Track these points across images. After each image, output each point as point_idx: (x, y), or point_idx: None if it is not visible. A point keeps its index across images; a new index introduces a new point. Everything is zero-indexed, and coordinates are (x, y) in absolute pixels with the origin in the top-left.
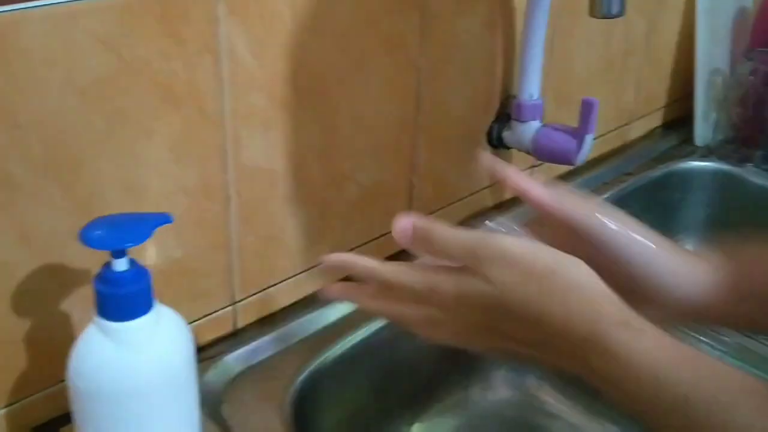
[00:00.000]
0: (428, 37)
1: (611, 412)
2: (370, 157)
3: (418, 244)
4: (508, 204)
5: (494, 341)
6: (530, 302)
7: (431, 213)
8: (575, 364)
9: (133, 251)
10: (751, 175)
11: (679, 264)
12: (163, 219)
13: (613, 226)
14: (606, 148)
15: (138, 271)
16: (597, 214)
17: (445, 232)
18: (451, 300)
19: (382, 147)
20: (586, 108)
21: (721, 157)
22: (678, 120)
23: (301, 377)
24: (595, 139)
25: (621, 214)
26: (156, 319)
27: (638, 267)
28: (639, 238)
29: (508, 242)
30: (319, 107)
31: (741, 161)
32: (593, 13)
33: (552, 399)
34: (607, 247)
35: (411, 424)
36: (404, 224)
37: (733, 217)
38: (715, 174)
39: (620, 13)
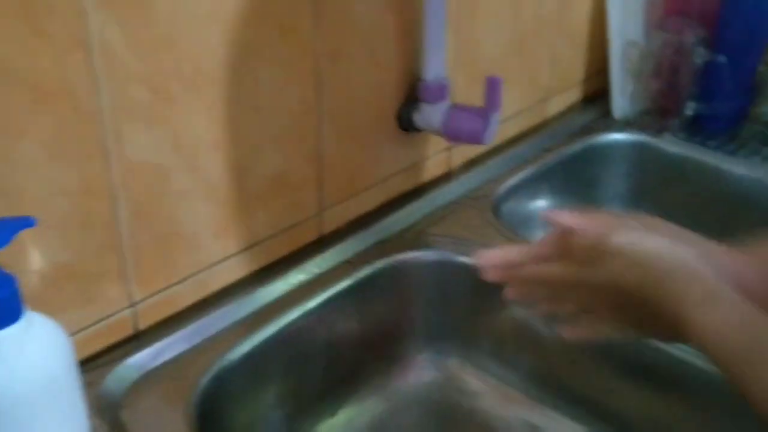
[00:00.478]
0: (323, 22)
1: (531, 389)
2: (271, 147)
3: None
4: (424, 188)
5: (628, 319)
6: (634, 287)
7: (343, 201)
8: (679, 337)
9: (14, 257)
10: (668, 144)
11: (728, 265)
12: (25, 223)
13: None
14: (525, 125)
15: (2, 277)
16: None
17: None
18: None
19: (283, 136)
20: (491, 86)
21: (640, 129)
22: (596, 94)
23: (207, 376)
24: (513, 116)
25: (650, 228)
26: (26, 328)
27: None
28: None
29: (614, 239)
30: (209, 98)
31: (659, 131)
32: None
33: (474, 379)
34: None
35: (333, 414)
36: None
37: (653, 186)
38: (633, 145)
39: None
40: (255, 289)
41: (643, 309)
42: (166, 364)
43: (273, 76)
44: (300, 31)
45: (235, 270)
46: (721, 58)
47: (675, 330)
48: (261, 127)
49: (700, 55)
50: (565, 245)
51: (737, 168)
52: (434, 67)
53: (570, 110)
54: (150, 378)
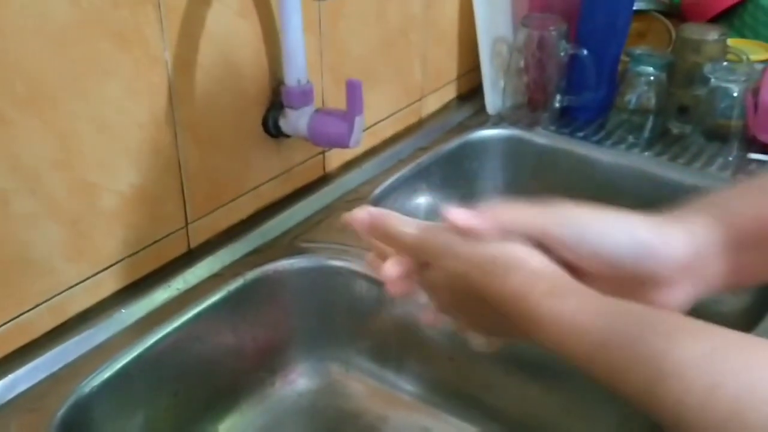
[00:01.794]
0: (170, 31)
1: (417, 391)
2: (122, 162)
3: (376, 235)
4: (299, 193)
5: (472, 319)
6: (476, 287)
7: (211, 212)
8: (527, 337)
9: None
10: (539, 137)
11: (655, 239)
12: None
13: (567, 239)
14: (400, 125)
15: None
16: (547, 230)
17: (397, 227)
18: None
19: (135, 150)
20: (351, 89)
21: (512, 123)
22: (471, 91)
23: (67, 406)
24: (388, 117)
25: (574, 213)
26: None
27: (620, 261)
28: (597, 237)
29: (450, 238)
30: (47, 115)
31: (530, 125)
32: None
33: (358, 384)
34: (579, 252)
35: (214, 431)
36: (361, 215)
37: (527, 178)
38: (507, 139)
39: None
40: (117, 310)
41: (484, 309)
42: (21, 396)
43: (119, 89)
44: (145, 42)
45: (94, 292)
46: (584, 51)
47: (519, 328)
48: (109, 143)
49: (564, 49)
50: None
51: (605, 156)
52: (294, 72)
53: (445, 108)
54: (4, 412)
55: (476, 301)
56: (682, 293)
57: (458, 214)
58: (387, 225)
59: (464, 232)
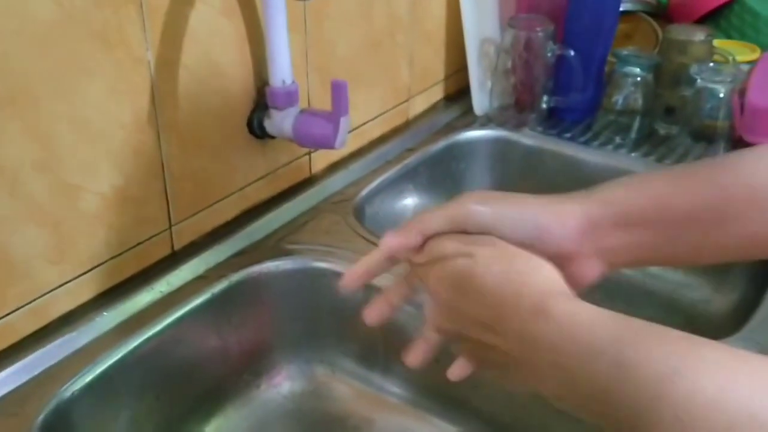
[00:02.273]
0: (153, 31)
1: (402, 393)
2: (104, 164)
3: (414, 231)
4: (285, 195)
5: (456, 322)
6: (496, 274)
7: (195, 214)
8: (519, 339)
9: None
10: (526, 137)
11: (552, 221)
12: None
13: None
14: (388, 126)
15: None
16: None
17: (432, 213)
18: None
19: (118, 151)
20: (336, 90)
21: (500, 124)
22: (458, 92)
23: (48, 409)
24: (375, 117)
25: (484, 211)
26: None
27: (531, 245)
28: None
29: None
30: (27, 116)
31: (517, 126)
32: None
33: (344, 386)
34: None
35: None
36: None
37: (514, 179)
38: (494, 140)
39: None
40: (99, 313)
41: (479, 311)
42: (2, 400)
43: (101, 90)
44: (128, 43)
45: (76, 294)
46: (571, 52)
47: (519, 328)
48: (91, 144)
49: (551, 50)
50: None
51: (592, 156)
52: (279, 73)
53: (433, 109)
54: None
55: (473, 302)
56: (590, 268)
57: (389, 242)
58: (422, 216)
59: (400, 256)
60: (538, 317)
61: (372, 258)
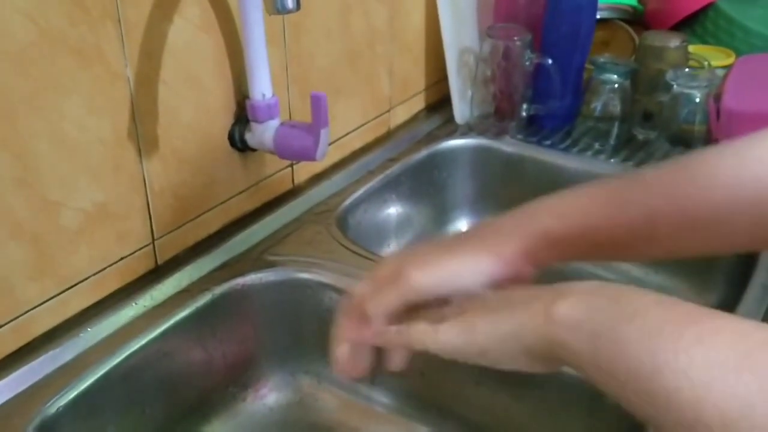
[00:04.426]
0: (131, 47)
1: (388, 402)
2: (85, 180)
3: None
4: (268, 207)
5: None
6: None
7: (178, 228)
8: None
9: None
10: (507, 145)
11: (497, 268)
12: None
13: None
14: (369, 137)
15: None
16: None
17: (381, 295)
18: None
19: (98, 167)
20: (315, 102)
21: (480, 132)
22: (439, 101)
23: (32, 426)
24: (357, 128)
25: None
26: None
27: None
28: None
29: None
30: (5, 134)
31: (498, 134)
32: (269, 10)
33: (330, 396)
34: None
35: None
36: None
37: (495, 187)
38: (475, 149)
39: (296, 8)
40: (83, 329)
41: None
42: None
43: (80, 106)
44: (106, 59)
45: (59, 311)
46: (549, 60)
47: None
48: (71, 160)
49: (529, 59)
50: None
51: (572, 163)
52: (259, 86)
53: (414, 119)
54: None
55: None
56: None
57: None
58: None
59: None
60: (552, 295)
61: (342, 352)
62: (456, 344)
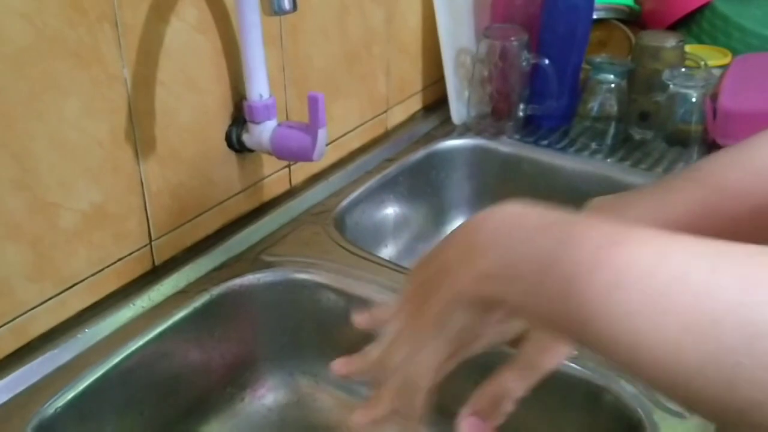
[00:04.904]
0: (128, 48)
1: None
2: (83, 181)
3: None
4: (265, 208)
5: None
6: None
7: (175, 228)
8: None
9: None
10: (504, 145)
11: None
12: None
13: None
14: (367, 137)
15: None
16: None
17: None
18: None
19: (95, 168)
20: (313, 103)
21: (478, 133)
22: (436, 102)
23: (30, 427)
24: (354, 129)
25: None
26: None
27: None
28: None
29: None
30: (4, 136)
31: (495, 134)
32: (266, 11)
33: (328, 396)
34: None
35: None
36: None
37: (493, 187)
38: (473, 149)
39: (293, 8)
40: (81, 330)
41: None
42: None
43: (78, 108)
44: (104, 61)
45: (57, 312)
46: (546, 61)
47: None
48: (69, 162)
49: (526, 59)
50: None
51: (569, 163)
52: (256, 87)
53: (411, 119)
54: None
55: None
56: None
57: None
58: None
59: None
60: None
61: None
62: (433, 345)
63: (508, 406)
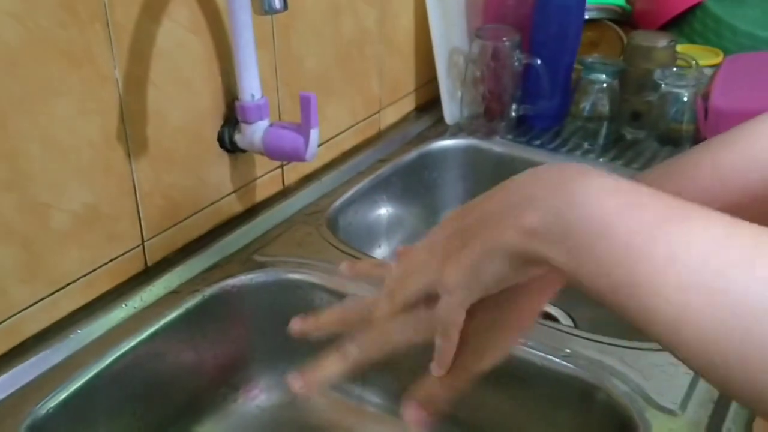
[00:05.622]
0: (121, 49)
1: (380, 402)
2: (74, 182)
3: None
4: (258, 208)
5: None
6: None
7: (168, 229)
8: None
9: None
10: (497, 145)
11: None
12: None
13: None
14: (360, 137)
15: None
16: None
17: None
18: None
19: (87, 168)
20: (305, 103)
21: (470, 133)
22: (429, 102)
23: (23, 428)
24: (347, 129)
25: None
26: None
27: None
28: None
29: None
30: None
31: (488, 134)
32: (257, 10)
33: (321, 397)
34: None
35: None
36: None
37: (485, 187)
38: (465, 149)
39: (284, 8)
40: (73, 330)
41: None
42: None
43: (69, 109)
44: (95, 61)
45: (49, 312)
46: (538, 61)
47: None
48: (60, 162)
49: (518, 59)
50: None
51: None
52: (248, 87)
53: (404, 120)
54: None
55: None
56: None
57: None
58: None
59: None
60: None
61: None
62: (465, 288)
63: (448, 398)
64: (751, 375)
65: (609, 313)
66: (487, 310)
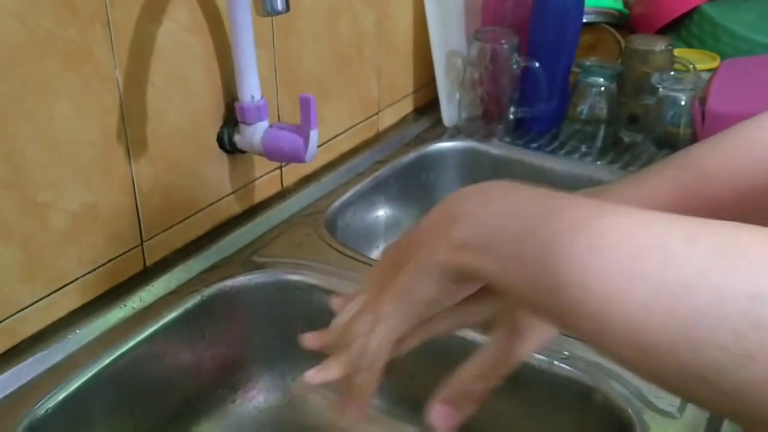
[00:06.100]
0: (120, 49)
1: (379, 403)
2: (73, 182)
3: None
4: (257, 209)
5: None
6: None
7: (167, 229)
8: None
9: None
10: (495, 148)
11: None
12: None
13: None
14: (358, 139)
15: None
16: None
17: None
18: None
19: (86, 168)
20: (304, 105)
21: (468, 135)
22: (428, 104)
23: (21, 428)
24: (345, 131)
25: None
26: None
27: None
28: None
29: None
30: None
31: (486, 137)
32: (258, 12)
33: (320, 397)
34: None
35: None
36: None
37: None
38: (463, 151)
39: (285, 9)
40: (72, 330)
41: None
42: None
43: (69, 109)
44: (95, 61)
45: (48, 313)
46: (536, 63)
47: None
48: (60, 162)
49: (516, 62)
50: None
51: (559, 165)
52: (248, 88)
53: (402, 122)
54: None
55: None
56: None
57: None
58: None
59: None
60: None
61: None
62: (398, 313)
63: (480, 396)
64: (680, 356)
65: None
66: None
